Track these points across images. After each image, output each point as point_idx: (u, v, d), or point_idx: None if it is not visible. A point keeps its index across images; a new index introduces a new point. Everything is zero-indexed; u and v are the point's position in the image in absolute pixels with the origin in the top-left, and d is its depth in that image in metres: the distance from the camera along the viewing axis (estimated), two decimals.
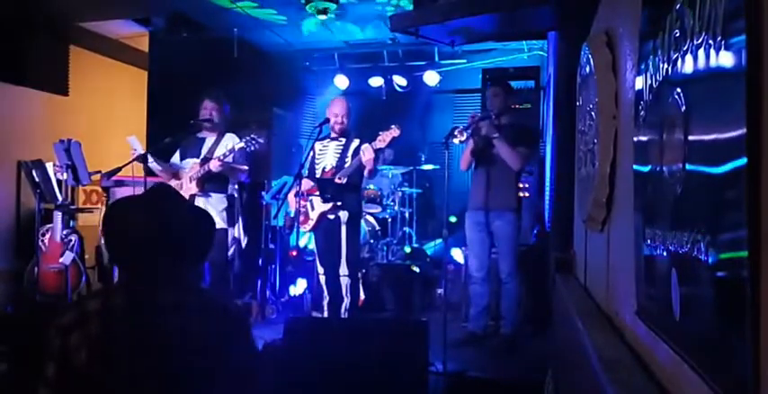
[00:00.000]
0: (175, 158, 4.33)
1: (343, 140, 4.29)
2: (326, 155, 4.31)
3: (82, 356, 1.32)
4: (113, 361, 1.33)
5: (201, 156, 4.19)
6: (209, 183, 4.13)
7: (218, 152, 4.14)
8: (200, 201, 4.12)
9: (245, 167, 4.21)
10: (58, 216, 4.68)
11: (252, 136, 3.97)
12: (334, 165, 4.23)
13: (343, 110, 4.24)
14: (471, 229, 4.10)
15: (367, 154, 4.01)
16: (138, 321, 1.36)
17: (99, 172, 4.34)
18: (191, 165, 4.19)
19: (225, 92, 4.36)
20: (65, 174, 4.41)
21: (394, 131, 4.01)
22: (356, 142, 4.23)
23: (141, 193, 1.62)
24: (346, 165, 4.17)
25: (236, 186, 4.33)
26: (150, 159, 4.11)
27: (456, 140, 3.80)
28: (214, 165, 4.01)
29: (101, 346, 1.33)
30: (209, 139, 4.26)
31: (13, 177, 5.15)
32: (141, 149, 4.14)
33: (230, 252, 4.24)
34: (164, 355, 1.35)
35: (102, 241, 4.11)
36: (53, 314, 1.40)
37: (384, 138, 4.01)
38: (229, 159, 4.02)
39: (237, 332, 1.47)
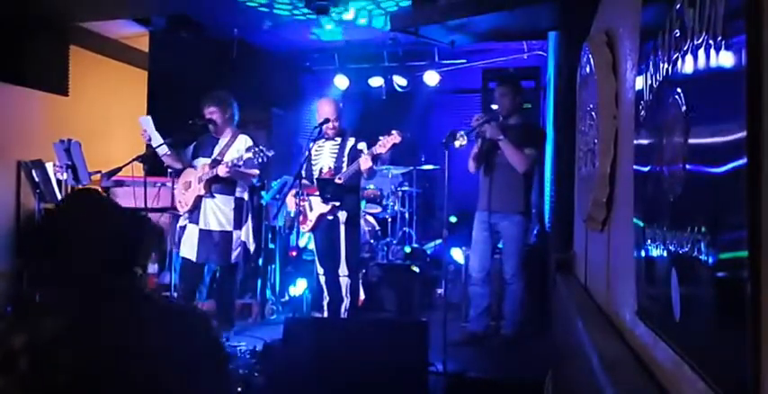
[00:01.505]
0: (187, 151, 4.30)
1: (339, 140, 4.28)
2: (323, 155, 4.30)
3: (35, 382, 1.18)
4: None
5: (213, 157, 4.16)
6: (216, 184, 4.11)
7: (229, 155, 4.09)
8: (206, 203, 4.11)
9: (256, 172, 4.15)
10: None
11: (261, 147, 3.91)
12: (332, 166, 4.23)
13: (333, 112, 4.22)
14: (477, 229, 4.08)
15: (365, 163, 4.01)
16: (79, 345, 1.22)
17: (99, 172, 4.33)
18: (201, 165, 4.17)
19: (224, 93, 4.31)
20: (65, 174, 4.40)
21: (395, 138, 3.97)
22: (352, 141, 4.23)
23: (61, 202, 1.54)
24: (344, 165, 4.17)
25: (246, 189, 4.28)
26: (159, 140, 4.07)
27: (456, 144, 3.76)
28: (222, 171, 3.97)
29: (37, 386, 1.19)
30: (223, 140, 4.22)
31: (13, 177, 5.14)
32: (152, 130, 4.10)
33: (235, 254, 4.20)
34: (115, 378, 1.23)
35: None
36: None
37: (384, 144, 3.98)
38: (239, 163, 3.96)
39: (192, 351, 1.33)
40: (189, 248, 4.15)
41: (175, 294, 4.40)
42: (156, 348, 1.28)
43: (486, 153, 4.00)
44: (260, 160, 3.90)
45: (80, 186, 4.44)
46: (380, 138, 4.03)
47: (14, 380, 1.19)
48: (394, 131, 3.99)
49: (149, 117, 4.24)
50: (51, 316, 1.28)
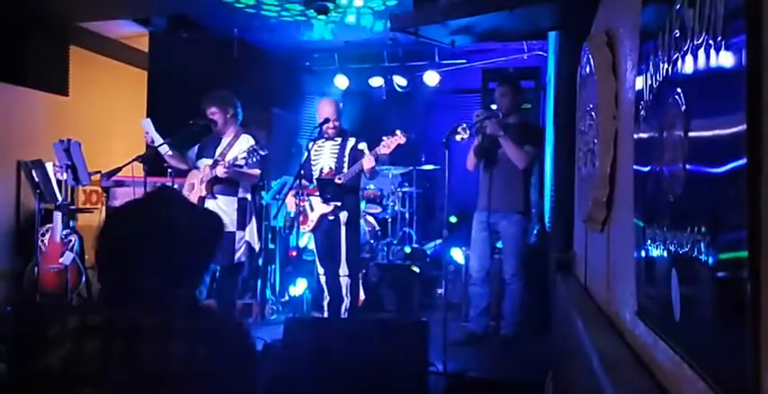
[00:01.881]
0: (191, 153, 4.29)
1: (339, 140, 4.28)
2: (323, 155, 4.30)
3: (71, 367, 1.20)
4: (98, 385, 1.20)
5: (214, 157, 4.16)
6: (218, 185, 4.10)
7: (231, 155, 4.08)
8: (208, 204, 4.10)
9: (257, 172, 4.13)
10: (57, 216, 4.68)
11: (255, 147, 3.90)
12: (333, 166, 4.23)
13: (333, 112, 4.22)
14: (476, 229, 4.09)
15: (368, 163, 4.01)
16: (116, 346, 1.22)
17: (99, 172, 4.33)
18: (203, 166, 4.17)
19: (226, 93, 4.30)
20: (65, 174, 4.40)
21: (399, 138, 3.97)
22: (352, 141, 4.23)
23: (141, 198, 1.49)
24: (344, 166, 4.17)
25: (249, 189, 4.26)
26: (161, 141, 4.07)
27: (458, 137, 3.76)
28: (220, 172, 3.95)
29: (72, 369, 1.20)
30: (225, 140, 4.21)
31: (13, 177, 5.15)
32: (153, 132, 4.10)
33: (238, 254, 4.18)
34: (145, 386, 1.22)
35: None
36: (44, 320, 1.30)
37: (389, 145, 3.98)
38: (241, 163, 3.95)
39: (237, 368, 1.30)
40: None
41: None
42: (200, 360, 1.26)
43: (486, 150, 4.01)
44: (254, 159, 3.89)
45: (83, 185, 4.44)
46: (384, 138, 4.02)
47: (59, 358, 1.19)
48: (398, 132, 3.99)
49: (149, 120, 4.23)
50: (100, 311, 1.27)
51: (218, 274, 4.46)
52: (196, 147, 4.29)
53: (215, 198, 4.10)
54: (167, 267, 1.32)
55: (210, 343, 1.28)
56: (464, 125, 3.80)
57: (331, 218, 4.20)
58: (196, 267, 1.39)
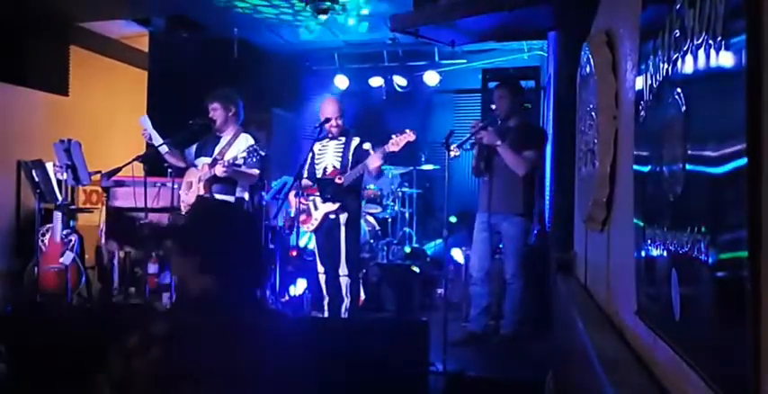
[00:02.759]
0: (190, 150, 4.29)
1: (343, 139, 4.27)
2: (326, 155, 4.30)
3: (142, 384, 1.25)
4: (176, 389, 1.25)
5: (213, 156, 4.15)
6: (216, 184, 4.09)
7: (230, 154, 4.07)
8: None
9: (257, 172, 4.11)
10: (58, 216, 4.68)
11: (254, 146, 3.90)
12: (336, 165, 4.23)
13: (335, 111, 4.21)
14: (477, 229, 4.08)
15: (374, 161, 4.00)
16: (208, 347, 1.28)
17: (99, 172, 4.33)
18: (202, 164, 4.16)
19: (230, 91, 4.29)
20: (65, 174, 4.40)
21: (409, 136, 3.95)
22: (356, 141, 4.23)
23: (197, 211, 1.58)
24: (348, 165, 4.16)
25: (247, 188, 4.26)
26: (158, 138, 4.07)
27: (451, 154, 3.75)
28: (219, 171, 3.95)
29: (163, 375, 1.25)
30: (224, 139, 4.20)
31: (13, 177, 5.15)
32: (151, 129, 4.10)
33: None
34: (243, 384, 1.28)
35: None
36: (54, 321, 1.34)
37: (398, 142, 3.97)
38: (240, 162, 3.93)
39: (302, 364, 1.40)
40: None
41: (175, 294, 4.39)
42: (272, 362, 1.33)
43: (486, 157, 4.00)
44: (253, 159, 3.88)
45: (83, 185, 4.44)
46: (393, 136, 4.01)
47: (147, 365, 1.25)
48: (408, 130, 3.98)
49: (147, 117, 4.23)
50: (191, 313, 1.34)
51: None
52: (194, 146, 4.28)
53: (213, 197, 4.09)
54: (234, 271, 1.39)
55: (274, 340, 1.38)
56: (454, 145, 3.75)
57: (332, 217, 4.20)
58: (255, 265, 1.48)
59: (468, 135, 3.86)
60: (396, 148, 3.98)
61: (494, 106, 4.19)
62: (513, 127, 3.98)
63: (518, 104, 4.05)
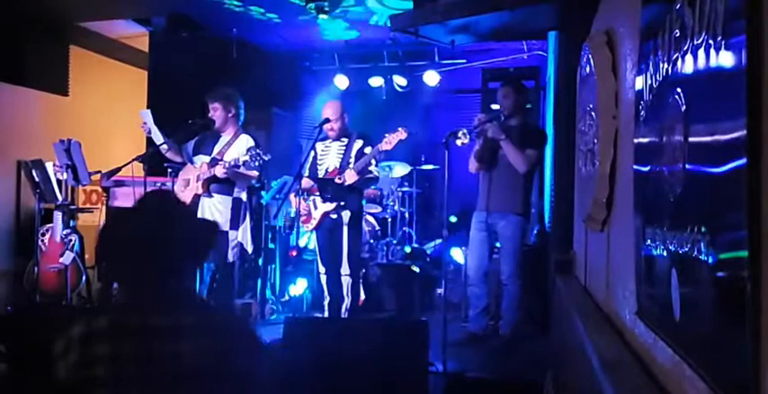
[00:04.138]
0: (188, 146, 4.28)
1: (346, 141, 4.28)
2: (329, 155, 4.31)
3: (81, 373, 1.25)
4: (114, 389, 1.26)
5: (212, 155, 4.15)
6: (214, 184, 4.10)
7: (229, 154, 4.07)
8: (204, 202, 4.10)
9: (255, 173, 4.11)
10: (58, 216, 4.68)
11: (258, 151, 3.90)
12: (338, 166, 4.24)
13: (333, 113, 4.22)
14: (474, 228, 4.09)
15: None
16: (126, 348, 1.28)
17: (99, 172, 4.33)
18: (200, 163, 4.16)
19: (231, 91, 4.28)
20: (65, 174, 4.40)
21: (401, 134, 3.98)
22: (359, 143, 4.24)
23: (136, 204, 1.55)
24: (349, 167, 4.17)
25: (244, 189, 4.26)
26: (158, 133, 4.06)
27: (459, 142, 3.74)
28: (219, 172, 3.95)
29: (104, 368, 1.25)
30: (224, 138, 4.20)
31: (13, 177, 5.15)
32: (151, 123, 4.10)
33: (231, 254, 4.18)
34: (167, 383, 1.28)
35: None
36: (54, 321, 1.36)
37: (390, 141, 4.00)
38: (238, 164, 3.93)
39: (245, 351, 1.38)
40: None
41: None
42: (206, 354, 1.31)
43: (486, 153, 4.00)
44: (257, 163, 3.88)
45: (83, 185, 4.44)
46: (386, 135, 4.03)
47: (89, 356, 1.25)
48: (400, 128, 4.01)
49: (149, 110, 4.23)
50: (112, 313, 1.33)
51: (216, 275, 4.46)
52: (193, 142, 4.28)
53: (211, 196, 4.10)
54: (167, 268, 1.38)
55: (218, 338, 1.33)
56: (464, 130, 3.77)
57: (333, 216, 4.21)
58: (192, 265, 1.47)
59: (475, 125, 3.86)
60: (389, 147, 4.01)
61: (495, 105, 4.20)
62: (515, 126, 3.99)
63: (521, 103, 4.06)
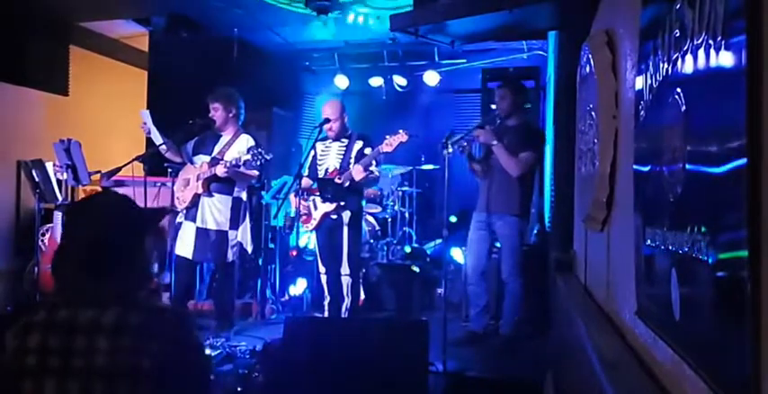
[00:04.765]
0: (188, 146, 4.28)
1: (346, 141, 4.29)
2: (329, 156, 4.31)
3: (16, 362, 1.31)
4: (37, 380, 1.31)
5: (213, 155, 4.15)
6: (215, 183, 4.10)
7: (230, 154, 4.07)
8: (204, 201, 4.10)
9: (256, 173, 4.12)
10: (58, 216, 4.68)
11: (260, 150, 3.90)
12: (338, 166, 4.24)
13: (333, 113, 4.23)
14: (473, 228, 4.10)
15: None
16: (52, 342, 1.33)
17: (99, 172, 4.33)
18: (200, 163, 4.16)
19: (232, 91, 4.28)
20: (65, 174, 4.40)
21: (402, 136, 3.99)
22: (359, 144, 4.24)
23: (79, 202, 1.61)
24: (349, 167, 4.17)
25: (244, 188, 4.26)
26: (157, 134, 4.07)
27: (445, 152, 3.77)
28: (220, 171, 3.95)
29: (32, 361, 1.31)
30: (224, 138, 4.20)
31: (13, 177, 5.15)
32: (151, 124, 4.10)
33: (230, 253, 4.18)
34: (88, 379, 1.31)
35: None
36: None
37: (391, 143, 4.01)
38: (239, 164, 3.94)
39: (170, 347, 1.38)
40: (185, 246, 4.14)
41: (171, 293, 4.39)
42: (142, 351, 1.34)
43: (483, 157, 4.03)
44: (259, 162, 3.89)
45: (83, 185, 4.45)
46: (387, 136, 4.04)
47: (24, 348, 1.31)
48: (401, 130, 4.01)
49: (148, 111, 4.24)
50: (57, 307, 1.37)
51: (216, 274, 4.45)
52: (192, 142, 4.28)
53: (211, 196, 4.10)
54: (97, 265, 1.41)
55: (143, 337, 1.35)
56: (450, 140, 3.75)
57: (334, 216, 4.21)
58: (128, 262, 1.46)
59: (465, 133, 3.88)
60: (389, 149, 4.02)
61: (494, 105, 4.20)
62: (512, 127, 4.00)
63: (519, 104, 4.07)
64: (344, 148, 4.27)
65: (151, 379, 1.34)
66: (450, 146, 3.70)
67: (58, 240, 1.56)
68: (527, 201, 4.01)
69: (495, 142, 3.84)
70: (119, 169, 4.03)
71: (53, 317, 1.35)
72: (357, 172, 4.07)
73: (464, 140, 3.92)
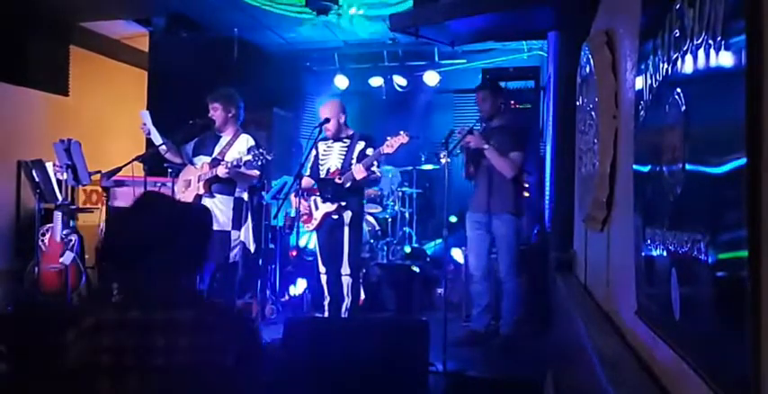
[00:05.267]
0: (188, 147, 4.28)
1: (348, 142, 4.28)
2: (331, 156, 4.31)
3: (88, 360, 1.31)
4: (115, 378, 1.32)
5: (213, 155, 4.15)
6: (216, 184, 4.09)
7: (230, 154, 4.06)
8: (205, 202, 4.10)
9: (257, 173, 4.11)
10: (58, 216, 4.68)
11: (261, 150, 3.90)
12: (339, 166, 4.24)
13: (329, 112, 4.23)
14: (470, 228, 4.14)
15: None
16: (128, 342, 1.34)
17: (99, 172, 4.33)
18: (201, 163, 4.16)
19: (232, 92, 4.28)
20: (65, 174, 4.40)
21: (402, 138, 4.00)
22: (361, 145, 4.24)
23: (132, 205, 1.62)
24: (351, 168, 4.17)
25: (246, 189, 4.26)
26: (157, 134, 4.07)
27: (442, 161, 3.84)
28: (221, 172, 3.95)
29: (107, 359, 1.32)
30: (224, 139, 4.19)
31: (13, 177, 5.15)
32: (150, 125, 4.10)
33: (233, 254, 4.18)
34: (166, 377, 1.34)
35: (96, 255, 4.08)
36: (54, 321, 1.41)
37: (392, 144, 4.01)
38: (240, 164, 3.93)
39: (246, 345, 1.43)
40: None
41: None
42: (223, 348, 1.37)
43: (474, 160, 4.06)
44: (260, 163, 3.89)
45: (83, 185, 4.45)
46: (388, 138, 4.05)
47: (76, 353, 1.31)
48: (401, 132, 4.02)
49: (148, 112, 4.24)
50: (124, 307, 1.39)
51: (217, 274, 4.45)
52: (192, 143, 4.28)
53: (212, 196, 4.10)
54: (166, 265, 1.43)
55: (222, 335, 1.39)
56: (443, 153, 3.83)
57: (335, 217, 4.21)
58: (191, 263, 1.50)
59: (456, 141, 3.93)
60: (390, 150, 4.03)
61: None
62: (497, 127, 4.08)
63: (499, 104, 4.15)
64: (346, 149, 4.27)
65: (231, 375, 1.36)
66: (446, 156, 3.78)
67: (101, 238, 1.56)
68: (520, 198, 4.05)
69: (486, 146, 3.90)
70: (119, 169, 4.03)
71: (124, 316, 1.36)
72: (358, 171, 4.07)
73: (458, 148, 3.97)
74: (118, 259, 1.46)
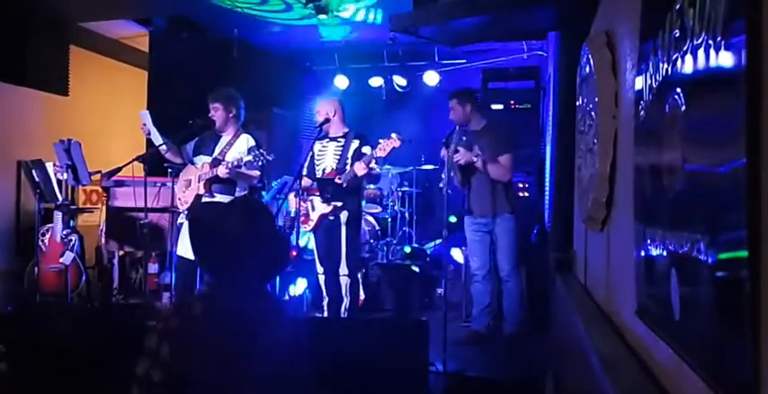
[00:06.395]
0: (188, 147, 4.28)
1: (342, 141, 4.28)
2: (326, 155, 4.30)
3: (181, 359, 1.37)
4: (207, 369, 1.38)
5: (214, 155, 4.15)
6: (216, 184, 4.09)
7: (231, 154, 4.07)
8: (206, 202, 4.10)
9: (257, 173, 4.12)
10: (58, 216, 4.68)
11: (261, 151, 3.90)
12: (335, 166, 4.23)
13: (331, 111, 4.22)
14: (469, 231, 4.15)
15: (359, 170, 4.04)
16: (234, 330, 1.42)
17: (99, 172, 4.33)
18: (201, 163, 4.16)
19: (233, 92, 4.28)
20: (65, 174, 4.40)
21: (394, 142, 3.98)
22: (356, 143, 4.23)
23: (231, 202, 1.72)
24: (347, 167, 4.17)
25: (246, 189, 4.26)
26: (157, 134, 4.08)
27: (443, 188, 3.84)
28: (222, 172, 3.95)
29: (201, 353, 1.39)
30: (225, 139, 4.19)
31: (13, 177, 5.15)
32: (150, 125, 4.11)
33: None
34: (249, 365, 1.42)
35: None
36: (54, 321, 1.45)
37: (384, 148, 4.00)
38: (240, 164, 3.94)
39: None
40: (186, 247, 4.14)
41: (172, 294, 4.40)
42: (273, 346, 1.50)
43: (466, 170, 4.07)
44: (260, 163, 3.89)
45: (83, 185, 4.46)
46: (380, 141, 4.04)
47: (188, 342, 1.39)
48: (393, 135, 4.00)
49: (148, 112, 4.24)
50: (214, 300, 1.48)
51: None
52: (192, 143, 4.28)
53: (213, 197, 4.10)
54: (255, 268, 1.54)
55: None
56: (441, 183, 3.86)
57: (331, 218, 4.20)
58: (273, 268, 1.64)
59: (446, 168, 3.91)
60: (382, 154, 4.02)
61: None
62: (477, 131, 4.09)
63: (469, 111, 4.13)
64: (341, 148, 4.26)
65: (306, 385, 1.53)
66: (446, 185, 3.79)
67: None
68: (512, 198, 4.10)
69: (475, 159, 3.91)
70: (119, 169, 4.03)
71: (209, 313, 1.45)
72: (359, 168, 4.05)
73: (450, 170, 3.96)
74: (214, 251, 1.53)
